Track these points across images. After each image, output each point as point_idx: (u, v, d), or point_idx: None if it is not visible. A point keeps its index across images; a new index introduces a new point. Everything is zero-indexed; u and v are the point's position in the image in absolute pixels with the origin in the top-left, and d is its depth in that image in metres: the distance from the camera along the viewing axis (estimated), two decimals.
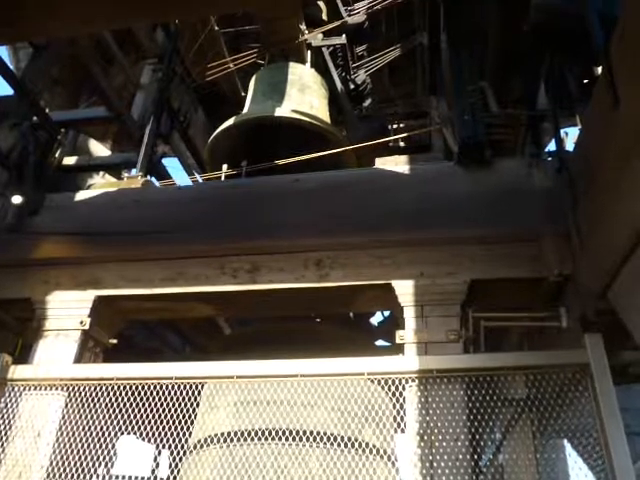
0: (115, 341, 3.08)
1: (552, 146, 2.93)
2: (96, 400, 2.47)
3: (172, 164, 5.51)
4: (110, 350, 3.06)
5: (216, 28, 5.31)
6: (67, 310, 2.89)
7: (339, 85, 5.31)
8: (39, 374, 2.57)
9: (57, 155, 4.37)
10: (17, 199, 3.22)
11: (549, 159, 2.84)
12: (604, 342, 2.11)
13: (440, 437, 2.15)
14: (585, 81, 3.39)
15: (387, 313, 5.20)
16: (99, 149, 5.99)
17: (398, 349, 2.52)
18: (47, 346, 2.82)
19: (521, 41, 3.02)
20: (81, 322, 2.84)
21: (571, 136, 3.18)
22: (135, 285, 2.92)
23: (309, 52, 5.25)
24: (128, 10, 1.64)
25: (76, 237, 3.10)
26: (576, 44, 2.51)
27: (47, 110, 4.20)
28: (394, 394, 2.23)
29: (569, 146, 2.81)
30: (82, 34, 3.96)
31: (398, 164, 3.02)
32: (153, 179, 3.86)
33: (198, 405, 2.44)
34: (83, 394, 2.48)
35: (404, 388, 2.23)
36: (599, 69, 2.52)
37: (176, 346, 5.77)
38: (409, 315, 2.50)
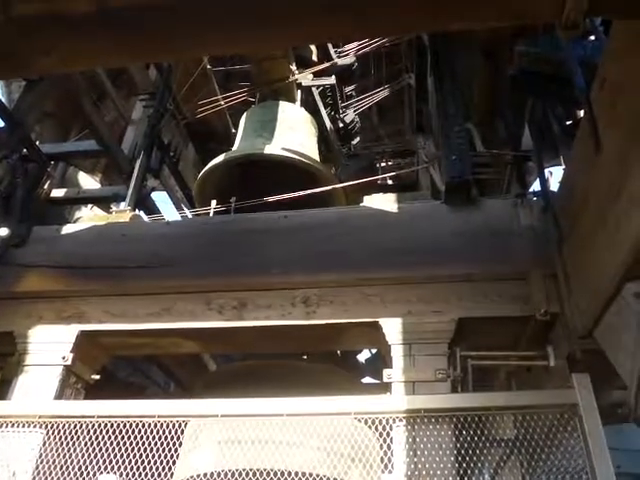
0: (97, 377, 3.02)
1: (537, 185, 2.98)
2: (75, 438, 2.41)
3: (161, 198, 5.52)
4: (91, 385, 2.99)
5: (208, 66, 5.40)
6: (49, 345, 2.84)
7: (328, 124, 5.41)
8: (17, 410, 2.51)
9: (45, 187, 4.37)
10: (3, 231, 3.19)
11: (534, 199, 2.88)
12: (592, 382, 2.11)
13: (428, 478, 2.11)
14: (568, 122, 3.49)
15: (374, 350, 5.17)
16: (88, 182, 5.98)
17: (385, 387, 2.50)
18: (27, 381, 2.75)
19: (505, 84, 3.11)
20: (63, 357, 2.78)
21: (556, 175, 3.25)
22: (119, 320, 2.88)
23: (299, 91, 5.36)
24: (123, 52, 1.67)
25: (61, 270, 3.07)
26: (558, 88, 2.58)
27: (37, 142, 4.20)
28: (381, 434, 2.20)
29: (554, 185, 2.87)
30: (76, 71, 4.02)
31: (386, 202, 3.05)
32: (142, 213, 3.86)
33: (181, 444, 2.38)
34: (62, 432, 2.41)
35: (391, 428, 2.20)
36: (581, 112, 2.60)
37: (160, 382, 5.66)
38: (396, 353, 2.49)
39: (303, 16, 1.55)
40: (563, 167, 3.24)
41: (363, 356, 5.89)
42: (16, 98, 4.75)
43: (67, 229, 3.36)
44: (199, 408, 2.43)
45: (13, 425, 2.44)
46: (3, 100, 4.41)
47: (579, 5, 1.36)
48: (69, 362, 2.78)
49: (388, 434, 2.19)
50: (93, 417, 2.38)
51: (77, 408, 2.51)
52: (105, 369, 3.27)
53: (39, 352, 2.82)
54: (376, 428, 2.22)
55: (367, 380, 5.69)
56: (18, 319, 2.95)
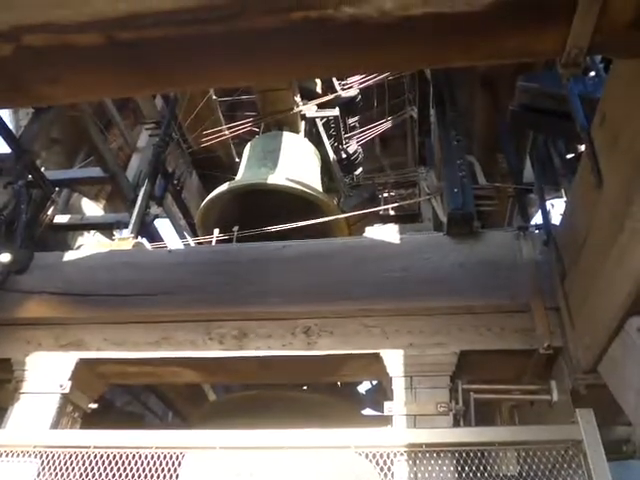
0: (95, 406, 2.98)
1: (539, 217, 2.99)
2: (71, 469, 2.36)
3: (164, 225, 5.54)
4: (88, 414, 2.96)
5: (214, 97, 5.48)
6: (47, 372, 2.81)
7: (331, 154, 5.46)
8: (12, 439, 2.46)
9: (49, 213, 4.39)
10: (4, 257, 3.19)
11: (536, 231, 2.89)
12: (596, 417, 2.08)
13: None
14: (569, 156, 3.52)
15: (375, 381, 5.12)
16: (91, 208, 6.02)
17: (385, 419, 2.47)
18: (23, 410, 2.72)
19: (506, 118, 3.14)
20: (61, 385, 2.75)
21: (557, 207, 3.27)
22: (119, 348, 2.86)
23: (303, 122, 5.43)
24: (130, 84, 1.70)
25: (62, 297, 3.06)
26: (559, 123, 2.61)
27: (43, 168, 4.24)
28: (382, 468, 2.16)
29: (555, 218, 2.87)
30: (83, 101, 4.08)
31: (388, 233, 3.06)
32: (144, 240, 3.86)
33: (178, 476, 2.34)
34: (58, 462, 2.37)
35: (392, 462, 2.16)
36: (582, 146, 2.62)
37: (158, 411, 5.59)
38: (398, 386, 2.46)
39: (303, 52, 1.58)
40: (564, 199, 3.26)
41: (363, 387, 5.84)
42: (23, 124, 4.82)
43: (69, 256, 3.36)
44: (197, 439, 2.39)
45: (7, 455, 2.40)
46: (11, 126, 4.47)
47: (580, 44, 1.38)
48: (67, 390, 2.74)
49: (389, 469, 2.15)
50: (89, 447, 2.34)
51: (73, 438, 2.47)
52: (103, 397, 3.24)
53: (36, 380, 2.79)
54: (377, 462, 2.18)
55: (367, 411, 5.62)
56: (16, 346, 2.93)
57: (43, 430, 2.63)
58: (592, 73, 2.60)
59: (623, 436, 2.63)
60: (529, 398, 2.50)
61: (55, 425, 2.69)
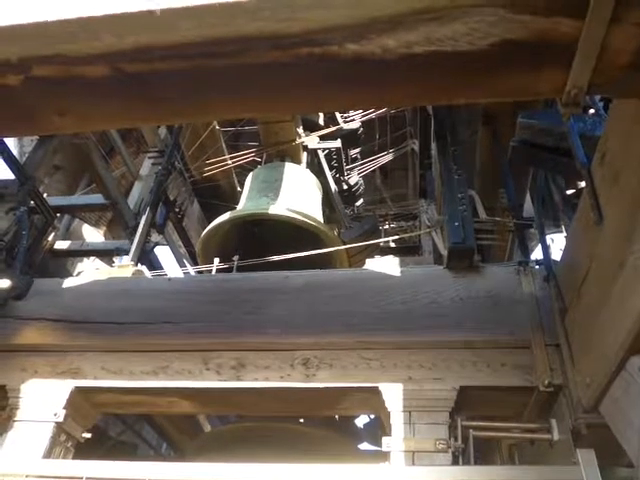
0: (88, 435, 2.94)
1: (539, 252, 2.99)
2: None
3: (164, 252, 5.54)
4: (82, 443, 2.91)
5: (217, 127, 5.55)
6: (42, 400, 2.78)
7: (333, 186, 5.50)
8: (4, 468, 2.43)
9: (49, 239, 4.41)
10: (4, 283, 3.19)
11: (537, 267, 2.89)
12: (597, 458, 2.05)
13: None
14: (569, 192, 3.54)
15: (373, 415, 5.05)
16: (92, 235, 6.03)
17: (383, 454, 2.42)
18: (16, 438, 2.68)
19: (507, 153, 3.18)
20: (55, 414, 2.71)
21: (557, 242, 3.27)
22: (115, 377, 2.83)
23: (305, 153, 5.48)
24: (135, 115, 1.72)
25: (60, 324, 3.05)
26: (559, 159, 2.63)
27: (45, 194, 4.27)
28: None
29: (556, 253, 2.87)
30: (89, 131, 4.14)
31: (388, 266, 3.06)
32: (144, 268, 3.86)
33: None
34: None
35: None
36: (582, 182, 2.64)
37: (152, 442, 5.51)
38: (396, 421, 2.42)
39: (307, 87, 1.60)
40: (564, 235, 3.26)
41: (361, 421, 5.76)
42: (28, 151, 4.87)
43: (68, 282, 3.36)
44: (192, 472, 2.35)
45: None
46: (15, 152, 4.52)
47: (580, 84, 1.40)
48: (61, 419, 2.71)
49: None
50: (81, 478, 2.31)
51: (66, 468, 2.43)
52: (96, 427, 3.19)
53: (31, 408, 2.76)
54: None
55: (365, 446, 5.54)
56: (12, 373, 2.90)
57: (35, 459, 2.59)
58: (592, 111, 2.64)
59: (625, 477, 2.58)
60: (529, 437, 2.46)
61: (48, 454, 2.64)
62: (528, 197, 4.00)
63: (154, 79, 1.55)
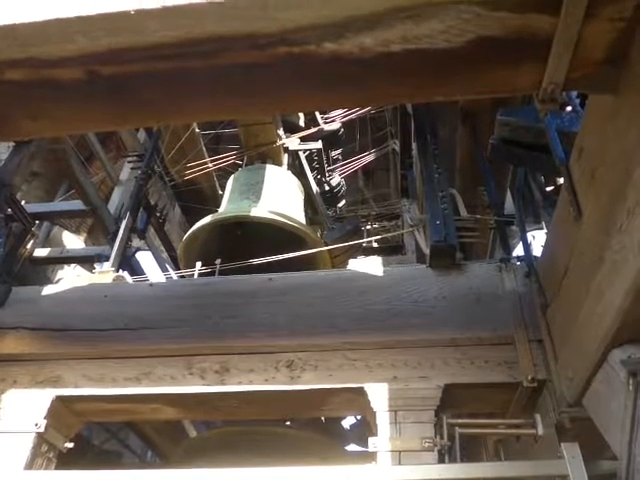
0: (71, 445, 2.88)
1: (521, 249, 3.01)
2: None
3: (146, 257, 5.48)
4: (64, 453, 2.86)
5: (197, 130, 5.51)
6: (22, 411, 2.72)
7: (314, 187, 5.49)
8: None
9: (28, 247, 4.33)
10: None
11: (518, 263, 2.90)
12: (582, 451, 2.06)
13: None
14: (548, 188, 3.57)
15: (359, 416, 5.05)
16: (72, 241, 5.95)
17: (369, 455, 2.42)
18: None
19: (486, 151, 3.20)
20: (36, 424, 2.66)
21: (538, 239, 3.30)
22: (97, 385, 2.78)
23: (286, 155, 5.47)
24: (111, 119, 1.70)
25: (39, 332, 2.99)
26: (538, 156, 2.65)
27: (23, 201, 4.20)
28: None
29: (537, 249, 2.89)
30: (64, 135, 4.08)
31: (371, 266, 3.06)
32: (125, 273, 3.81)
33: None
34: None
35: None
36: (561, 179, 2.66)
37: (137, 449, 5.45)
38: (382, 421, 2.42)
39: (286, 87, 1.60)
40: (545, 231, 3.29)
41: (347, 422, 5.76)
42: (4, 158, 4.79)
43: (48, 290, 3.30)
44: (176, 478, 2.33)
45: None
46: None
47: (556, 80, 1.42)
48: (42, 429, 2.65)
49: None
50: None
51: (48, 479, 2.39)
52: (79, 435, 3.14)
53: (11, 418, 2.70)
54: None
55: (352, 447, 5.54)
56: None
57: (16, 471, 2.53)
58: (569, 108, 2.66)
59: (609, 470, 2.60)
60: (514, 432, 2.47)
61: (29, 466, 2.58)
62: (508, 194, 4.03)
63: (130, 81, 1.53)
